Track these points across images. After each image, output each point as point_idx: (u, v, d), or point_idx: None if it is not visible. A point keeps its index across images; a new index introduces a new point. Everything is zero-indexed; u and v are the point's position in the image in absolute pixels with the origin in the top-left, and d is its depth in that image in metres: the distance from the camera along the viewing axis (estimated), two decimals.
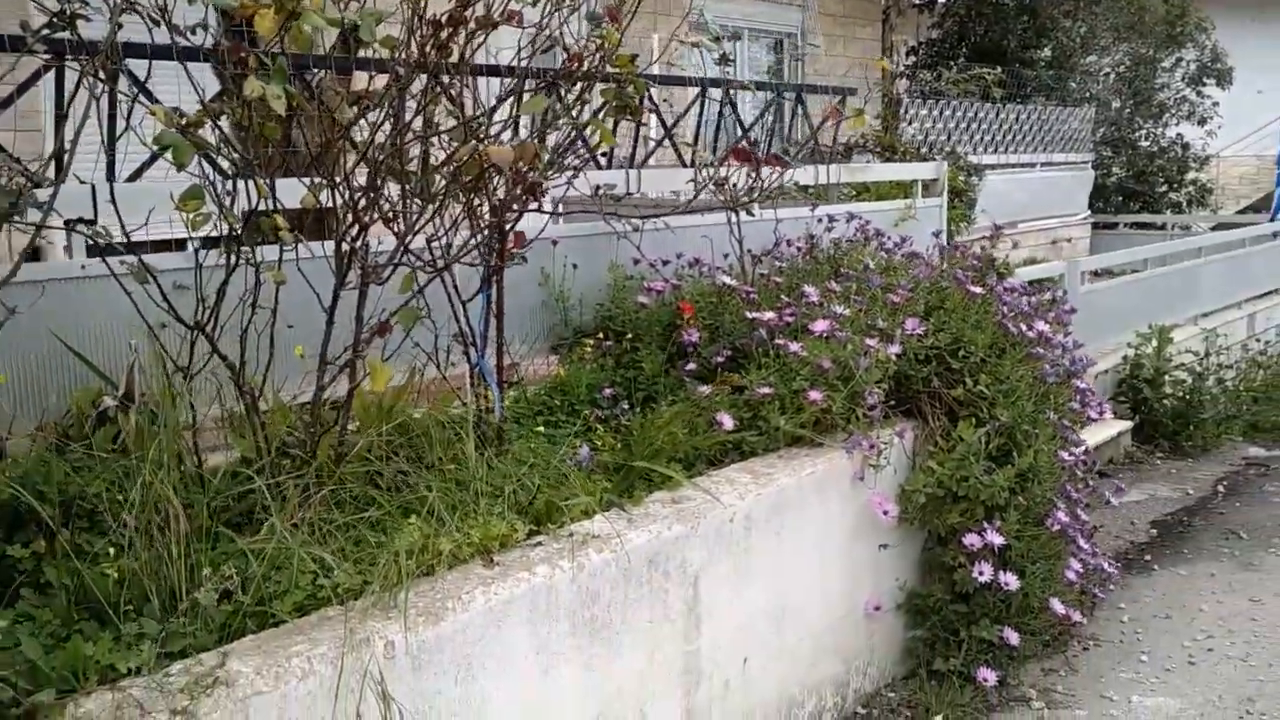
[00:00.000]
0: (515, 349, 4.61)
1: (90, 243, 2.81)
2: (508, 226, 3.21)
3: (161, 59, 2.74)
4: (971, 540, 3.81)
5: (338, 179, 2.74)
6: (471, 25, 2.71)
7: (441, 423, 3.36)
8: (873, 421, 3.75)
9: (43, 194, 2.56)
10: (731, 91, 5.28)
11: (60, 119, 3.32)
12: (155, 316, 2.87)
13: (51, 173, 2.91)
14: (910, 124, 10.62)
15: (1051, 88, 13.74)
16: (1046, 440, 4.12)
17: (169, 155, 2.52)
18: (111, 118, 3.39)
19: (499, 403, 3.46)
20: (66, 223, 3.02)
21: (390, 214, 2.89)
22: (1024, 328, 4.31)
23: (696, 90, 6.38)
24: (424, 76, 2.79)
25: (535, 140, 2.86)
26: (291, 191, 2.96)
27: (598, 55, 2.97)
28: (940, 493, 3.87)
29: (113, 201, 2.94)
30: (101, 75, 2.48)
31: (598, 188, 4.17)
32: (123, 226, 2.79)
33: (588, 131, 3.47)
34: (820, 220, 5.24)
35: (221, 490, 2.74)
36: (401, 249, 2.83)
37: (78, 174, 3.15)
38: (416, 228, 2.87)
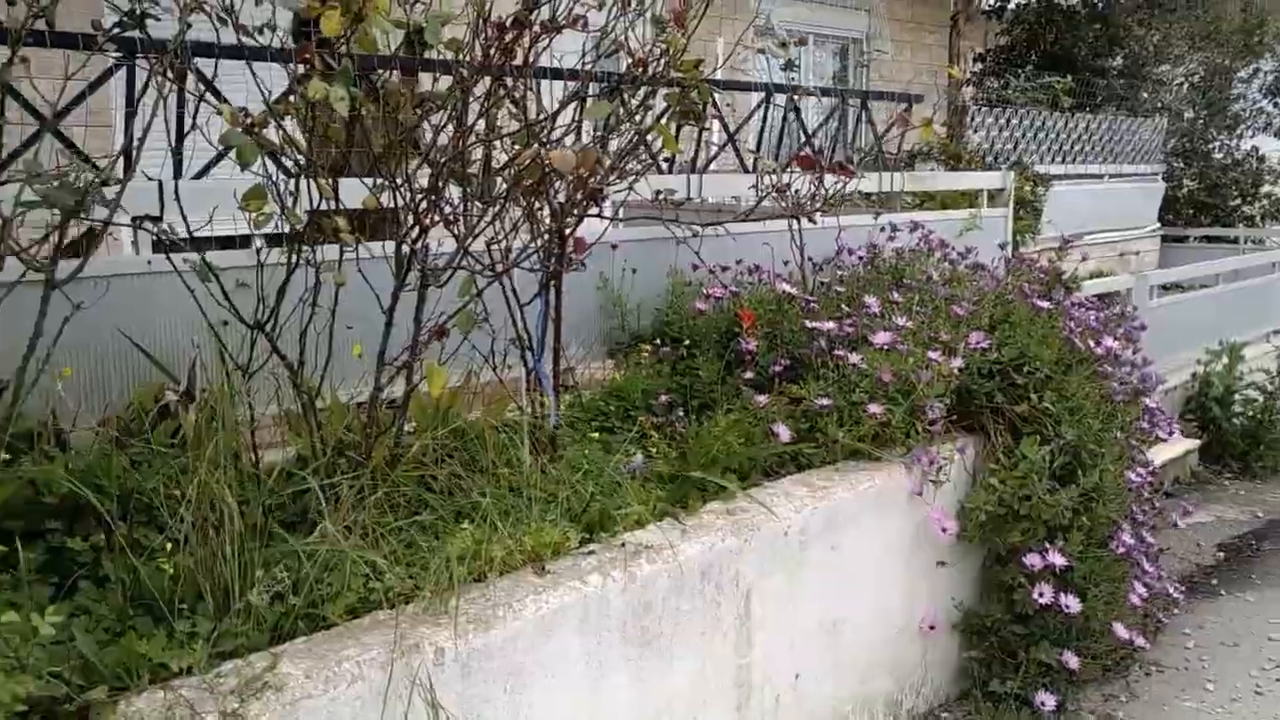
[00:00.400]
0: (572, 353, 4.59)
1: (155, 239, 2.84)
2: (567, 231, 3.19)
3: (230, 58, 2.76)
4: (1032, 560, 3.72)
5: (399, 181, 2.73)
6: (536, 29, 2.69)
7: (496, 427, 3.36)
8: (933, 436, 3.68)
9: (111, 191, 2.59)
10: (795, 97, 5.23)
11: (130, 116, 3.36)
12: (217, 314, 2.89)
13: (120, 170, 2.95)
14: (976, 132, 10.46)
15: (1122, 97, 13.46)
16: (1113, 460, 4.02)
17: (234, 154, 2.53)
18: (179, 116, 3.43)
19: (554, 408, 3.45)
20: (134, 219, 3.05)
21: (451, 216, 2.89)
22: (1091, 344, 4.21)
23: (760, 95, 6.32)
24: (488, 79, 2.78)
25: (597, 145, 2.83)
26: (354, 192, 2.97)
27: (662, 60, 2.93)
28: (1001, 511, 3.79)
29: (177, 199, 2.96)
30: (169, 74, 2.50)
31: (658, 193, 4.14)
32: (186, 224, 2.81)
33: (650, 136, 3.45)
34: (883, 229, 5.17)
35: (277, 489, 2.75)
36: (461, 252, 2.82)
37: (146, 171, 3.20)
38: (476, 231, 2.86)
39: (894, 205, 6.45)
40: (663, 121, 3.42)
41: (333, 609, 2.29)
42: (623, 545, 2.83)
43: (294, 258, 2.72)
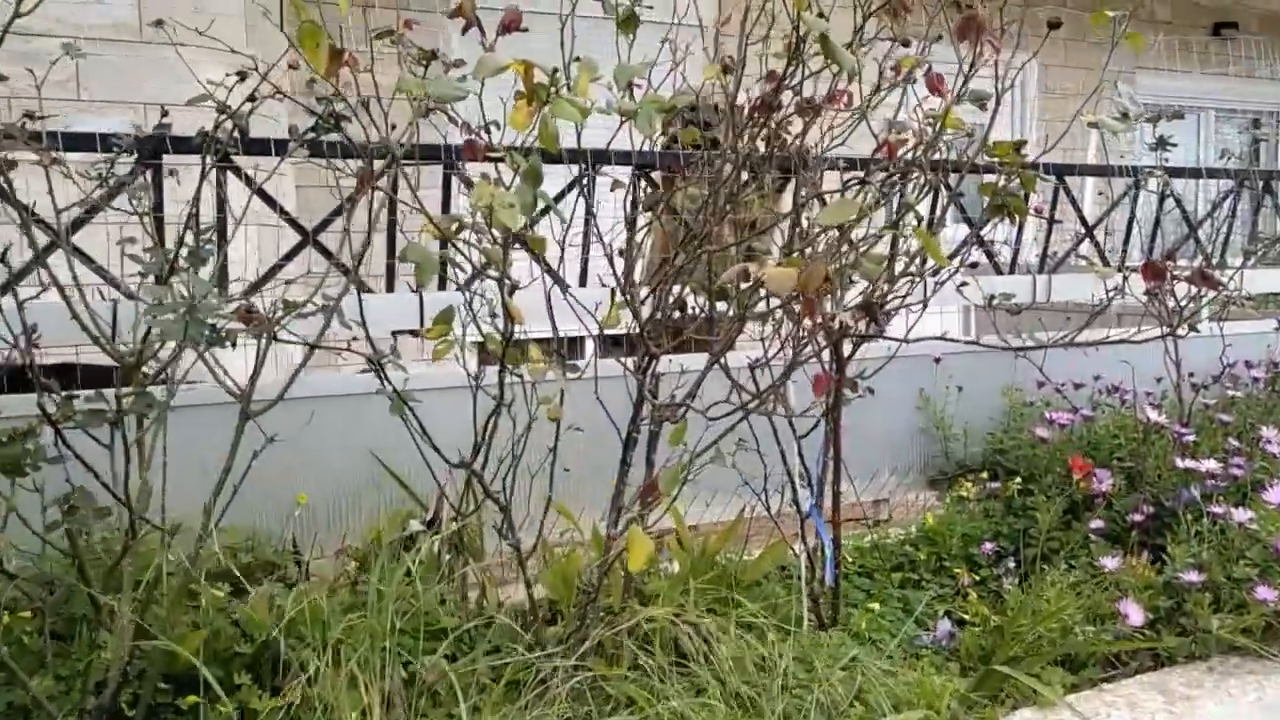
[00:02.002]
0: (883, 481, 3.99)
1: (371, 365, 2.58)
2: (845, 353, 2.63)
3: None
4: None
5: (628, 298, 2.31)
6: (789, 110, 2.19)
7: (756, 581, 2.85)
8: None
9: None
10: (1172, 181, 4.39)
11: (392, 225, 3.21)
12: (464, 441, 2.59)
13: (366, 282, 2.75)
14: None
15: None
16: None
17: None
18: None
19: (830, 563, 2.85)
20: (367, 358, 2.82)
21: (694, 335, 2.43)
22: None
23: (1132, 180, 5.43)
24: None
25: (855, 252, 2.26)
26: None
27: (926, 143, 2.32)
28: None
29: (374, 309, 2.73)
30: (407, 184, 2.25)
31: (991, 297, 3.48)
32: (372, 346, 2.53)
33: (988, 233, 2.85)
34: None
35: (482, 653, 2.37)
36: (696, 386, 2.33)
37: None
38: (719, 351, 2.37)
39: None
40: (985, 215, 2.80)
41: None
42: None
43: (502, 387, 2.35)
